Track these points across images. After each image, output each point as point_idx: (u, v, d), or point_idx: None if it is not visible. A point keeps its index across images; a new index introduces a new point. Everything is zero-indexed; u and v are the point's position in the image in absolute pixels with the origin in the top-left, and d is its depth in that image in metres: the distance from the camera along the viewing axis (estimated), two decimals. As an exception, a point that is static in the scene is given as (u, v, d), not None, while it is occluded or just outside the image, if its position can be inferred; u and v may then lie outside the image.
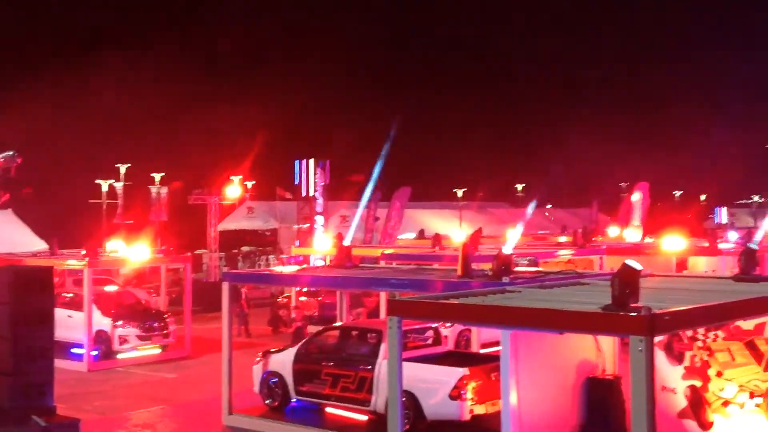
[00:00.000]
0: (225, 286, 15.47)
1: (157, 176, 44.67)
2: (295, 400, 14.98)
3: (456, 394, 12.63)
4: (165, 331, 22.69)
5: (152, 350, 22.49)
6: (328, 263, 26.14)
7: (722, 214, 73.47)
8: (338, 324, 17.04)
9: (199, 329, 25.31)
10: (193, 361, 21.84)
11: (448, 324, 17.29)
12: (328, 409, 14.63)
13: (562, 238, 34.91)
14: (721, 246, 26.81)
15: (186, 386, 18.97)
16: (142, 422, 15.51)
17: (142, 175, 46.59)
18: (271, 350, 15.86)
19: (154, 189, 42.70)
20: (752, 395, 11.62)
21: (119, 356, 21.97)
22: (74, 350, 21.58)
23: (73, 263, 22.89)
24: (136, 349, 22.18)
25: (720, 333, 11.83)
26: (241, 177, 50.28)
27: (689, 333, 11.96)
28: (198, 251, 43.02)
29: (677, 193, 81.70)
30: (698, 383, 12.08)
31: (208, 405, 16.01)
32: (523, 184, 75.27)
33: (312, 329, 21.37)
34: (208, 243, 43.53)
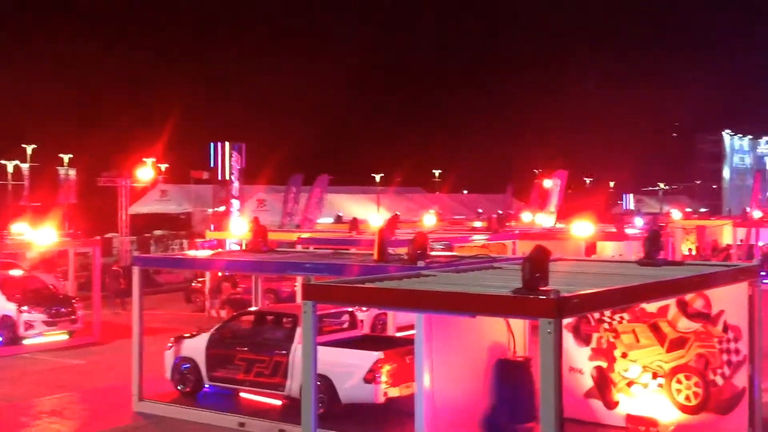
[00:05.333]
0: (135, 271, 15.15)
1: (66, 157, 43.34)
2: (207, 385, 14.81)
3: (371, 378, 12.70)
4: (73, 317, 22.13)
5: (59, 336, 21.89)
6: (243, 247, 25.88)
7: (629, 201, 76.02)
8: (253, 309, 16.91)
9: (108, 315, 24.75)
10: (102, 347, 21.35)
11: (364, 308, 17.36)
12: (242, 395, 14.52)
13: (477, 223, 35.43)
14: (628, 231, 27.72)
15: (95, 373, 18.53)
16: (49, 409, 15.08)
17: (50, 155, 45.15)
18: (184, 335, 15.63)
19: (62, 170, 41.40)
20: (655, 376, 12.08)
21: (25, 342, 21.31)
22: (-23, 336, 20.84)
23: (-25, 246, 22.04)
24: (43, 335, 21.56)
25: (625, 315, 12.25)
26: (153, 159, 49.23)
27: (596, 315, 12.36)
28: (108, 235, 41.96)
29: (588, 180, 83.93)
30: (604, 364, 12.50)
31: (118, 392, 15.68)
32: (440, 170, 76.05)
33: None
34: (119, 226, 42.53)
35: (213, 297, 24.52)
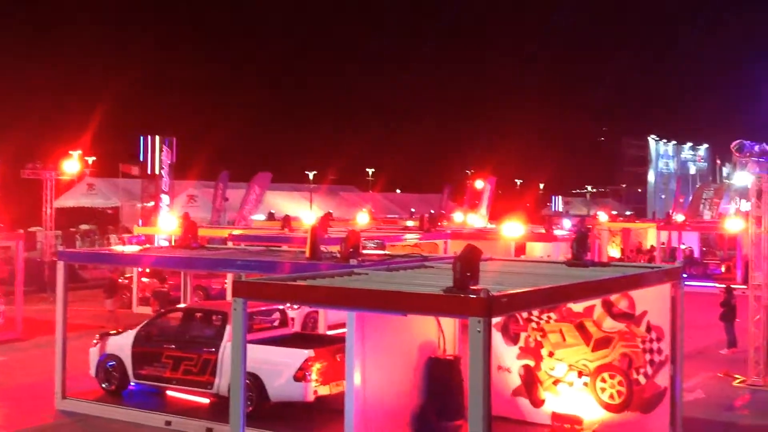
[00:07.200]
0: (60, 265, 14.78)
1: (-12, 148, 41.99)
2: (133, 383, 14.53)
3: (300, 376, 12.64)
4: (-6, 312, 21.49)
5: (-21, 332, 21.23)
6: (173, 243, 25.45)
7: (558, 203, 77.50)
8: (182, 305, 16.65)
9: (31, 310, 24.07)
10: (25, 344, 20.77)
11: (295, 306, 17.27)
12: (169, 393, 14.28)
13: (410, 223, 35.64)
14: (556, 232, 28.25)
15: (16, 370, 18.00)
16: (-33, 408, 14.60)
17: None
18: (110, 332, 15.32)
19: (-16, 162, 40.07)
20: (581, 374, 12.32)
21: (-58, 339, 20.60)
22: None
23: None
24: (-38, 331, 20.89)
25: (553, 315, 12.47)
26: (80, 151, 48.08)
27: (525, 315, 12.55)
28: (32, 228, 40.80)
29: (518, 182, 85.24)
30: (531, 363, 12.70)
31: (40, 389, 15.27)
32: (373, 169, 76.23)
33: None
34: (43, 220, 41.36)
35: (108, 296, 23.98)
